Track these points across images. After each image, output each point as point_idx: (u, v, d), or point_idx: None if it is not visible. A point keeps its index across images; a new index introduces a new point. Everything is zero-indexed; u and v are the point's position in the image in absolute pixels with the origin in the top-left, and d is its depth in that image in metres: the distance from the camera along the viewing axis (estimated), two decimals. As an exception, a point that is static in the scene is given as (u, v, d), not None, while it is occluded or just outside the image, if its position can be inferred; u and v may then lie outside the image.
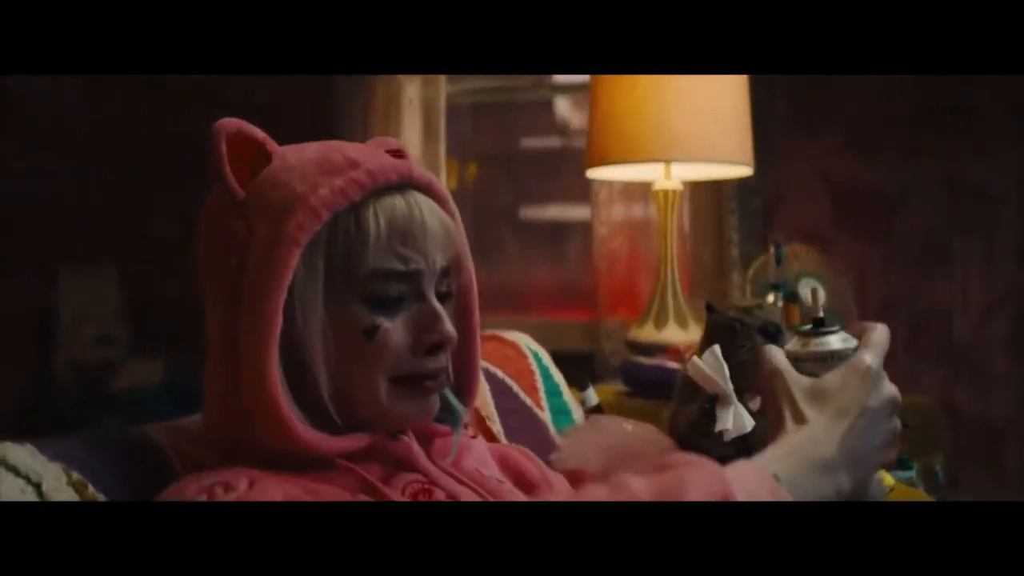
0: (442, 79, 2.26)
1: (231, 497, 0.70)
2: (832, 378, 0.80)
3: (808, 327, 0.88)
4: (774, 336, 0.96)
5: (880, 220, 2.29)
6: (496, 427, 1.26)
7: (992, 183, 2.22)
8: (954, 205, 2.24)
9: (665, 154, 1.82)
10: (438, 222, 0.80)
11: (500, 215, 2.78)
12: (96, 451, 0.76)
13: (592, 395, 1.57)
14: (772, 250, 1.89)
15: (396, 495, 0.77)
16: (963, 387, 2.25)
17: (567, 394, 1.48)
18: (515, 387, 1.34)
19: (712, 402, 0.95)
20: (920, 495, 1.58)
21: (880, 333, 0.83)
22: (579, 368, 1.63)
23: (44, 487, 0.66)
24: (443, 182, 2.47)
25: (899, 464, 1.69)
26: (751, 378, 0.91)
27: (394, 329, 0.77)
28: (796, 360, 0.84)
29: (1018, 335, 2.24)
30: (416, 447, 0.82)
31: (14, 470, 0.68)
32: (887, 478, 1.09)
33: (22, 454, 0.68)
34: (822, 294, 0.90)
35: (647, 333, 1.92)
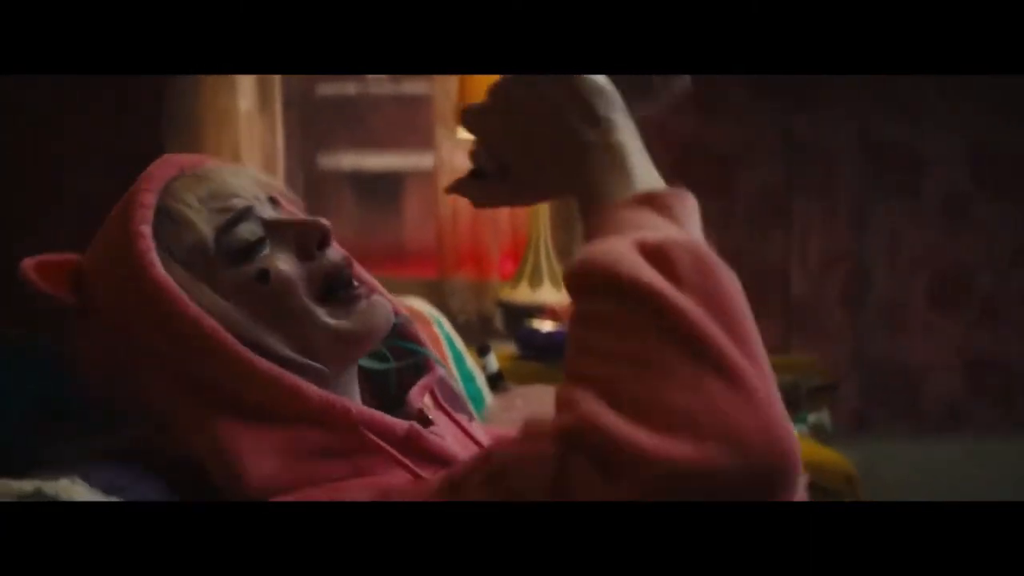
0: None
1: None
2: None
3: None
4: None
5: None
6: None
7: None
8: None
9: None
10: (237, 172, 0.83)
11: (335, 165, 2.67)
12: (144, 477, 0.74)
13: (493, 360, 1.56)
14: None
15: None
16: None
17: (470, 361, 1.45)
18: (435, 356, 1.30)
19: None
20: (815, 446, 1.68)
21: None
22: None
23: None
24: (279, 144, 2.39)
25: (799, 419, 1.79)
26: None
27: (274, 259, 0.78)
28: None
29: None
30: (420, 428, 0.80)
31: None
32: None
33: (80, 491, 0.62)
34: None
35: (522, 294, 1.92)
